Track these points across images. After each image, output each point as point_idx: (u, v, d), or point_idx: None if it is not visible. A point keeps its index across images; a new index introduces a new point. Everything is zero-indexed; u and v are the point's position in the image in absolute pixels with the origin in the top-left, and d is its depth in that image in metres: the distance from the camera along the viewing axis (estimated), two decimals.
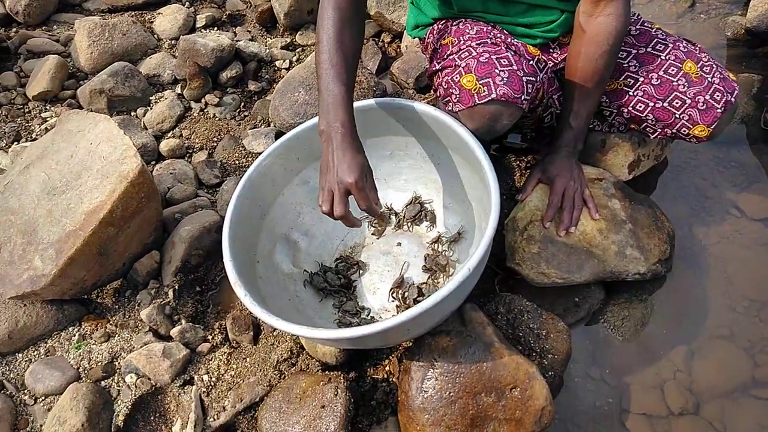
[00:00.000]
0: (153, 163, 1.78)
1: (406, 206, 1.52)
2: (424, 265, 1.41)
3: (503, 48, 1.27)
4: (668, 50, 1.31)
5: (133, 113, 1.92)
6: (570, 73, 1.32)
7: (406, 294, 1.36)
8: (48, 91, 1.91)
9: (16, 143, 1.80)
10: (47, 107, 1.91)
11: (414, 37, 1.58)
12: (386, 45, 2.10)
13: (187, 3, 2.31)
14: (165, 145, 1.79)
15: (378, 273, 1.45)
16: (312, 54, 1.89)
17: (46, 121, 1.87)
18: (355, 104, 1.32)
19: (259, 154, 1.75)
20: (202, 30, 2.16)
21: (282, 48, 2.09)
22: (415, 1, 1.49)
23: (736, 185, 1.63)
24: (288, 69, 2.01)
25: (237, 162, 1.75)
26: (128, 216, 1.41)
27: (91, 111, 1.85)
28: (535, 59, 1.33)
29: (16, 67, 2.03)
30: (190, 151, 1.81)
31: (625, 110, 1.37)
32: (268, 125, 1.82)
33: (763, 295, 1.42)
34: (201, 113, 1.91)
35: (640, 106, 1.33)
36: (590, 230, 1.35)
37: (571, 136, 1.38)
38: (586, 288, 1.40)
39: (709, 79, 1.28)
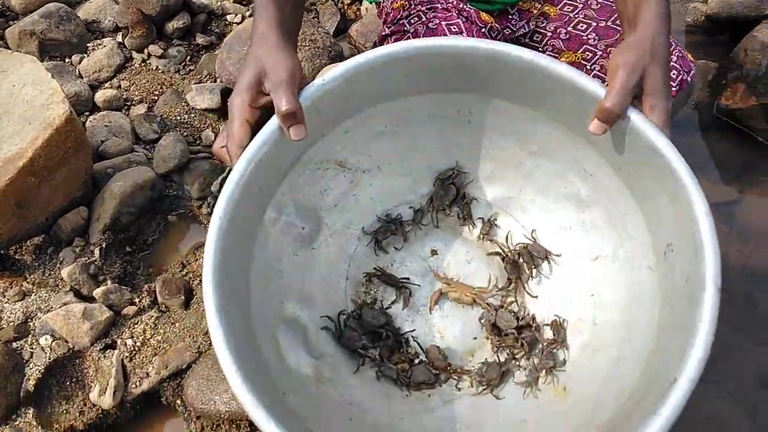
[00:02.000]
0: (87, 113, 1.65)
1: (438, 182, 1.04)
2: (491, 320, 0.96)
3: (454, 14, 1.23)
4: None
5: (67, 60, 1.78)
6: None
7: (484, 373, 0.92)
8: None
9: None
10: None
11: (371, 2, 1.52)
12: (345, 7, 2.01)
13: None
14: (101, 96, 1.67)
15: (423, 308, 1.01)
16: None
17: None
18: (380, 51, 0.85)
19: (205, 110, 1.66)
20: None
21: (235, 1, 1.98)
22: None
23: None
24: (240, 24, 1.90)
25: (178, 118, 1.64)
26: (52, 166, 1.30)
27: None
28: (488, 26, 1.28)
29: None
30: (129, 103, 1.69)
31: None
32: (214, 81, 1.72)
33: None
34: (143, 64, 1.78)
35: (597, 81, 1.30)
36: None
37: (654, 4, 0.84)
38: None
39: None
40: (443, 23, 1.18)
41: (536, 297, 0.98)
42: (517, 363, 0.93)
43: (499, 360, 0.94)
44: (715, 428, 1.21)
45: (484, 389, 0.91)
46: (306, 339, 0.93)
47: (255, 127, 0.82)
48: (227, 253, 0.79)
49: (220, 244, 0.78)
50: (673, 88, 1.25)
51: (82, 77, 1.73)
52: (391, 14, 1.32)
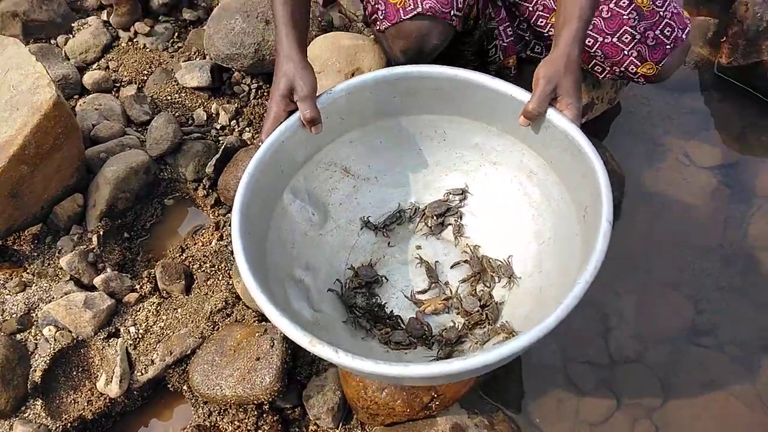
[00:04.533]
0: (76, 97, 1.62)
1: (446, 194, 1.27)
2: (460, 308, 1.15)
3: None
4: None
5: (53, 41, 1.73)
6: None
7: (443, 333, 1.11)
8: None
9: None
10: None
11: None
12: None
13: None
14: (89, 78, 1.63)
15: (409, 288, 1.20)
16: None
17: None
18: (371, 74, 1.13)
19: (195, 89, 1.62)
20: None
21: None
22: None
23: (686, 132, 1.61)
24: None
25: (169, 98, 1.60)
26: (44, 154, 1.28)
27: None
28: None
29: None
30: (118, 84, 1.65)
31: None
32: (203, 57, 1.68)
33: (706, 242, 1.42)
34: (130, 43, 1.74)
35: (589, 41, 1.27)
36: None
37: (572, 29, 1.01)
38: None
39: (661, 13, 1.22)
40: None
41: (494, 288, 1.18)
42: (469, 331, 1.12)
43: (455, 325, 1.13)
44: (718, 391, 1.22)
45: (444, 346, 1.10)
46: (308, 297, 1.12)
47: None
48: (251, 204, 1.01)
49: (248, 193, 1.00)
50: (668, 47, 1.23)
51: (68, 59, 1.68)
52: None
